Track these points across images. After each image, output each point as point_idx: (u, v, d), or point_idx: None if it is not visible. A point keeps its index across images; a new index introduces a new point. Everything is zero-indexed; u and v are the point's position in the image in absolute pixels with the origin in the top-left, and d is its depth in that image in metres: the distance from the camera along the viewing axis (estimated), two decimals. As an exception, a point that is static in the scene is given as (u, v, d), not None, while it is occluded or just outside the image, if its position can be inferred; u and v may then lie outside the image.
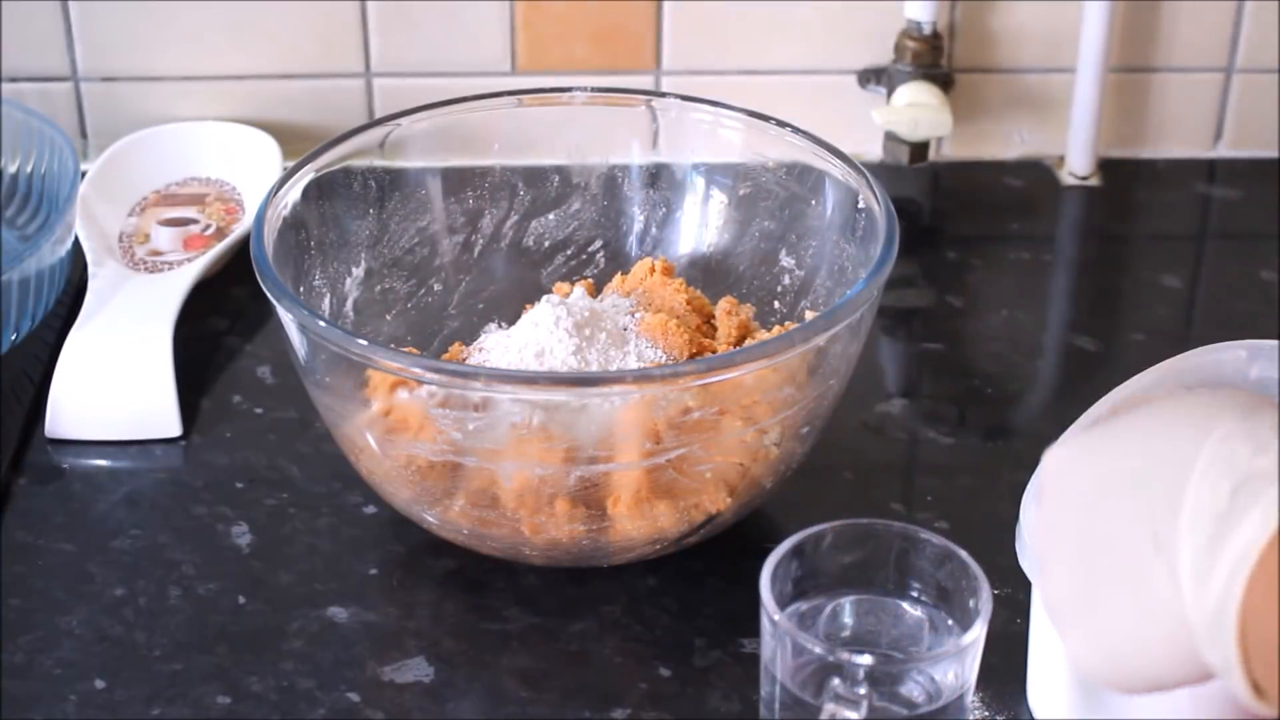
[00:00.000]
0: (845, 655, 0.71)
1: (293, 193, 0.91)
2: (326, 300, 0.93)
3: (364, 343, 0.81)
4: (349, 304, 0.95)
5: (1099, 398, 0.85)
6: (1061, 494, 0.63)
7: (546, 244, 1.00)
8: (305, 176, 0.92)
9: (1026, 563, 0.76)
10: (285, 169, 0.98)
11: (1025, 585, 0.78)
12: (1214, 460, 0.55)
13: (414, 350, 0.94)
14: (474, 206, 0.99)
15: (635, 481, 0.82)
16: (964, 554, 0.75)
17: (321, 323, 0.82)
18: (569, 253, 1.00)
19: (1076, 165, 1.22)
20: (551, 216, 1.00)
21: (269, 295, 0.83)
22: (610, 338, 0.89)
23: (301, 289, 0.91)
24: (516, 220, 1.00)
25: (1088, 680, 0.75)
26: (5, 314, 0.98)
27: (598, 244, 1.01)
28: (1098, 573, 0.60)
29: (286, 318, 0.83)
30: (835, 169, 0.93)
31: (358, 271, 0.96)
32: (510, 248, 1.00)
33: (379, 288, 0.97)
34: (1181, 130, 1.24)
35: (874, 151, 1.21)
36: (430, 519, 0.86)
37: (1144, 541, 0.57)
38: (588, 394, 0.81)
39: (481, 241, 1.00)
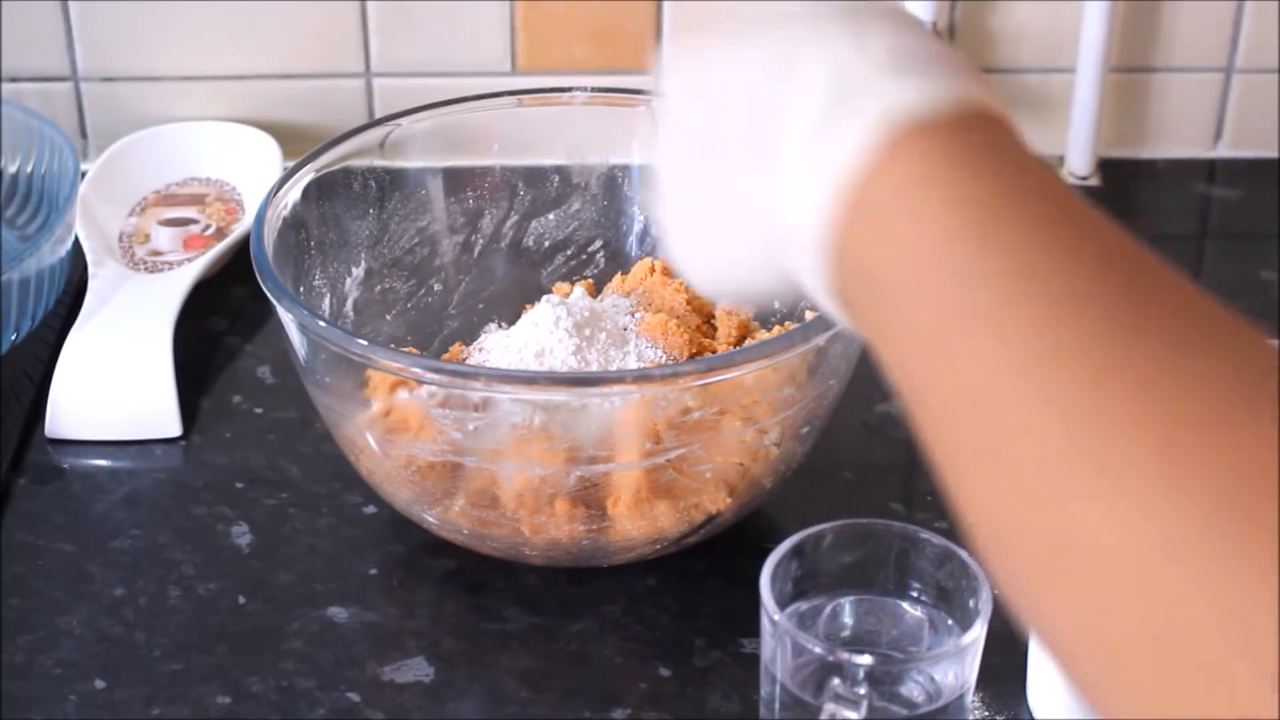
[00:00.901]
0: (845, 655, 0.71)
1: (293, 193, 0.91)
2: (326, 300, 0.93)
3: (364, 343, 0.82)
4: (349, 304, 0.95)
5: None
6: (677, 105, 0.59)
7: (546, 244, 1.00)
8: (305, 176, 0.92)
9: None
10: (285, 169, 0.98)
11: (1025, 585, 0.78)
12: (817, 64, 0.51)
13: (414, 350, 0.94)
14: (474, 206, 0.99)
15: (635, 481, 0.82)
16: (964, 554, 0.75)
17: (321, 323, 0.82)
18: (569, 253, 1.00)
19: (1076, 165, 1.22)
20: (551, 216, 1.00)
21: (269, 295, 0.83)
22: (610, 338, 0.89)
23: (301, 289, 0.91)
24: (516, 220, 1.00)
25: None
26: (5, 314, 0.98)
27: (598, 244, 1.01)
28: (705, 182, 0.57)
29: (286, 318, 0.83)
30: (835, 169, 0.92)
31: (358, 271, 0.96)
32: (510, 248, 1.00)
33: (379, 288, 0.97)
34: (1181, 130, 1.24)
35: (874, 151, 1.20)
36: (430, 519, 0.86)
37: (748, 147, 0.53)
38: (588, 394, 0.81)
39: (481, 241, 1.00)
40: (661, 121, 0.59)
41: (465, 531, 0.85)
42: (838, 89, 0.51)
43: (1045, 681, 0.79)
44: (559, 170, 1.00)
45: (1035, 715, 0.80)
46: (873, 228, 0.49)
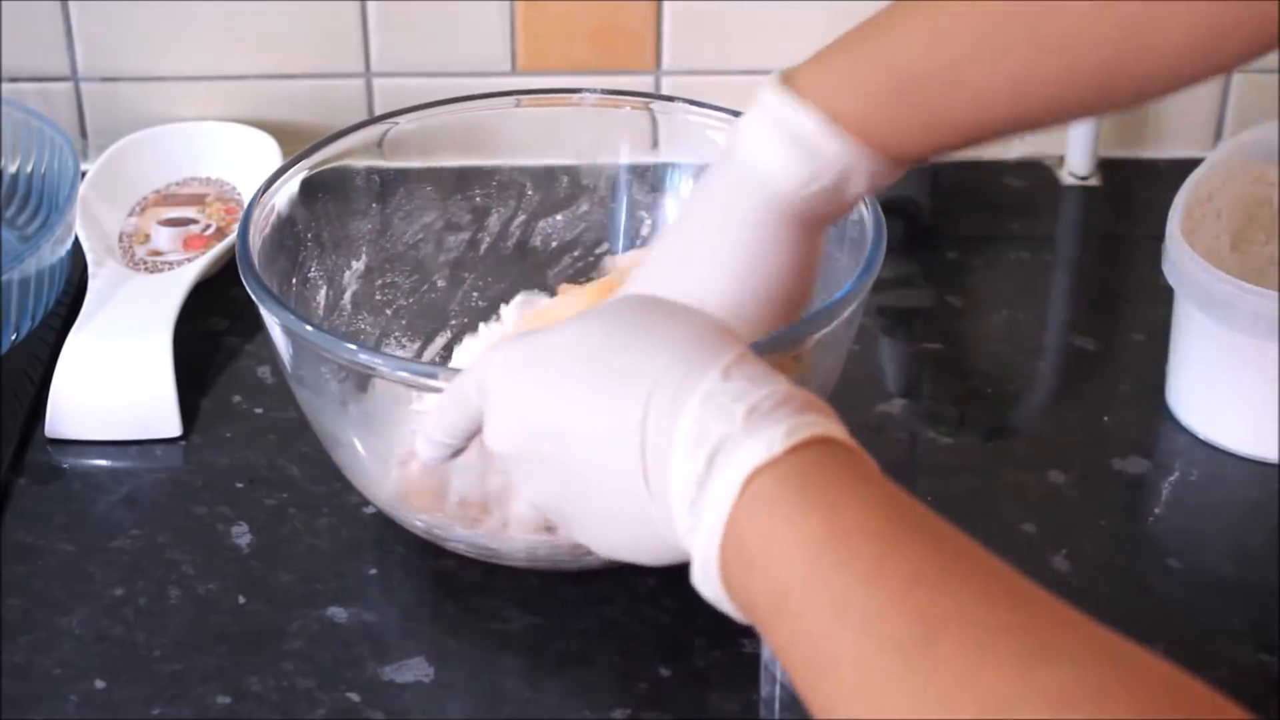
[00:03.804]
0: (845, 655, 0.71)
1: (285, 191, 0.91)
2: (323, 292, 0.93)
3: (352, 347, 0.81)
4: (346, 296, 0.95)
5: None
6: (514, 397, 0.68)
7: (554, 245, 1.00)
8: (296, 175, 0.91)
9: None
10: (285, 169, 0.98)
11: (1025, 585, 0.77)
12: (694, 425, 0.61)
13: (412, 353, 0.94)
14: (480, 205, 0.99)
15: (635, 481, 0.82)
16: (964, 554, 0.75)
17: (309, 327, 0.81)
18: (576, 254, 1.00)
19: (1076, 165, 1.22)
20: (559, 217, 1.00)
21: (253, 296, 0.82)
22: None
23: (295, 281, 0.91)
24: (524, 220, 1.00)
25: None
26: (5, 314, 0.98)
27: (604, 246, 1.01)
28: (585, 484, 0.66)
29: (271, 319, 0.82)
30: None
31: (357, 265, 0.96)
32: (516, 248, 1.00)
33: (379, 282, 0.97)
34: (1181, 130, 1.24)
35: (874, 151, 1.20)
36: (419, 524, 0.85)
37: (636, 478, 0.63)
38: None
39: (487, 240, 1.00)
40: (501, 402, 0.68)
41: (461, 533, 0.85)
42: (712, 452, 0.61)
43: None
44: (568, 171, 1.00)
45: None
46: (745, 569, 0.60)
